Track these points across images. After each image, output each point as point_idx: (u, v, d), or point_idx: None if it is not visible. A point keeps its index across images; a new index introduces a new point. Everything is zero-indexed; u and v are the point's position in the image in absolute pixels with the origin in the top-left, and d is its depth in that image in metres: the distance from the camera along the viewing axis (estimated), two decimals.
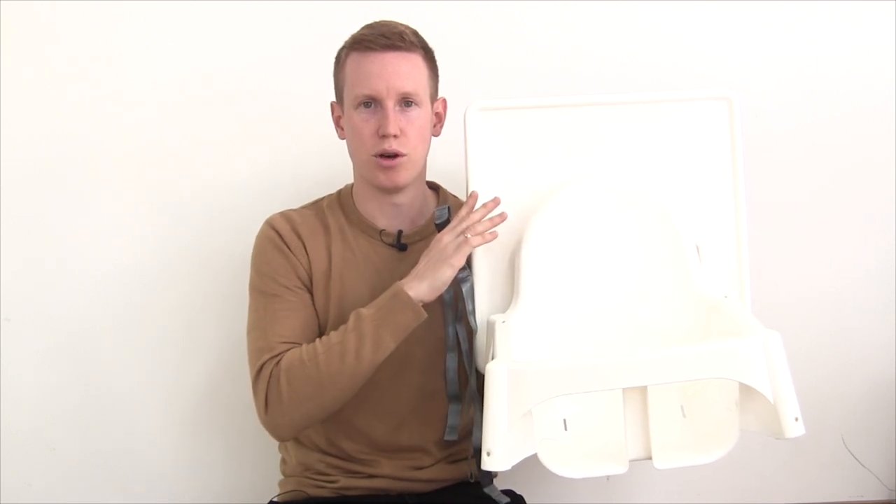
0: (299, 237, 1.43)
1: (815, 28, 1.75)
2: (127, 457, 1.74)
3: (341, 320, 1.38)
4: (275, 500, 1.49)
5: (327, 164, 1.65)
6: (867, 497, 1.79)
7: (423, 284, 1.30)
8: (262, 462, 1.66)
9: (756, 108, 1.71)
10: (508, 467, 1.05)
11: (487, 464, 1.04)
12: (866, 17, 1.75)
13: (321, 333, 1.39)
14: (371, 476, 1.43)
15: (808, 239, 1.77)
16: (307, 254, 1.42)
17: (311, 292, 1.42)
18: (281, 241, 1.42)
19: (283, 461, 1.52)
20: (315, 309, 1.42)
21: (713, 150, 1.35)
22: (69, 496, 1.73)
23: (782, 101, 1.75)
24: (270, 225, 1.44)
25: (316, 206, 1.50)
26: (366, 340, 1.30)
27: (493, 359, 1.14)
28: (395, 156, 1.36)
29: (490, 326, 1.28)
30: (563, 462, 1.10)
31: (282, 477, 1.52)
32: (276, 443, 1.50)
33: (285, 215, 1.45)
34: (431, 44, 1.41)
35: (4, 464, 1.72)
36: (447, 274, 1.30)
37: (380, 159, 1.37)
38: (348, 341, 1.30)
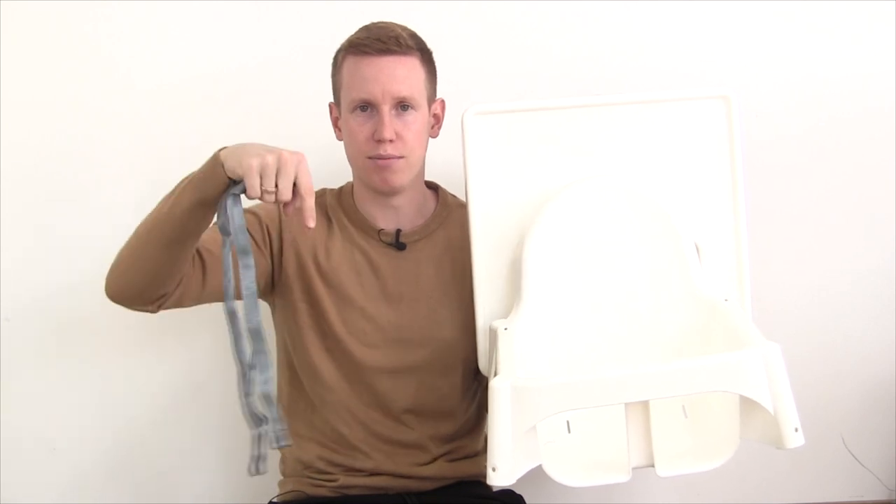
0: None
1: (815, 28, 1.74)
2: (127, 457, 1.74)
3: (342, 319, 1.40)
4: (274, 500, 1.49)
5: (327, 164, 1.64)
6: (867, 497, 1.79)
7: (234, 155, 1.19)
8: None
9: (756, 109, 1.70)
10: (514, 481, 1.05)
11: (493, 479, 1.04)
12: (866, 18, 1.74)
13: (333, 336, 1.41)
14: (371, 474, 1.43)
15: (807, 238, 1.76)
16: (289, 244, 1.42)
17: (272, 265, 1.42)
18: (264, 216, 1.43)
19: (282, 460, 1.52)
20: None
21: (712, 148, 1.34)
22: (69, 496, 1.73)
23: (782, 101, 1.74)
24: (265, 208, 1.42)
25: (320, 195, 1.49)
26: (172, 194, 1.26)
27: (496, 372, 1.13)
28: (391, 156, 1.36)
29: (492, 333, 1.28)
30: (567, 471, 1.10)
31: (281, 477, 1.52)
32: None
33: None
34: (429, 44, 1.41)
35: (4, 464, 1.72)
36: (252, 163, 1.15)
37: (375, 160, 1.37)
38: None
